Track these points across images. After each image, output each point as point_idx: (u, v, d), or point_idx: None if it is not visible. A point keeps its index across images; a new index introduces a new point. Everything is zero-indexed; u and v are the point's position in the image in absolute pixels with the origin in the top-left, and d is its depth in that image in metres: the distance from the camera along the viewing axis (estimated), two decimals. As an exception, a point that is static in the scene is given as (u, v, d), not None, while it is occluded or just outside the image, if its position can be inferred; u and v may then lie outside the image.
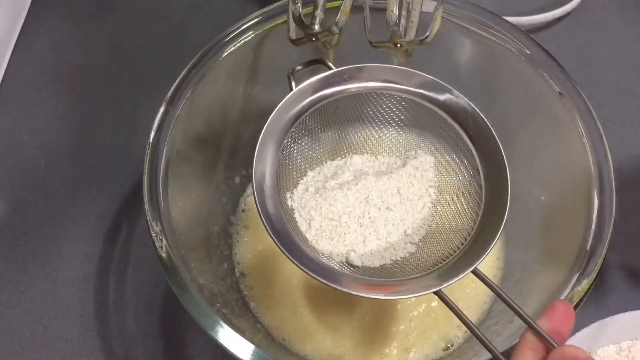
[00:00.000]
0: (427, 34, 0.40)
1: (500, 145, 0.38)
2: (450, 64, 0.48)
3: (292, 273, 0.49)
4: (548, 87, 0.43)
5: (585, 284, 0.38)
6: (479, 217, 0.38)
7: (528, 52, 0.44)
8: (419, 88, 0.40)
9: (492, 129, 0.38)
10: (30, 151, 0.58)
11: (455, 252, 0.37)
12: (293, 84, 0.40)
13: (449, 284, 0.35)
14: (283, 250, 0.35)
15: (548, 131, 0.46)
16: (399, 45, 0.40)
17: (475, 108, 0.39)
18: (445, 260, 0.37)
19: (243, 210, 0.52)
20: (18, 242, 0.54)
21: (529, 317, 0.32)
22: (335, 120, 0.42)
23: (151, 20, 0.65)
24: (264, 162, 0.38)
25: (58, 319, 0.51)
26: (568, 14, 0.64)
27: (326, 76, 0.40)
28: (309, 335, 0.48)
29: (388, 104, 0.41)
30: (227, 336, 0.37)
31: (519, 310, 0.33)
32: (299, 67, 0.42)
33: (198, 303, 0.37)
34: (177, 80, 0.43)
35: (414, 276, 0.37)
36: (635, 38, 0.64)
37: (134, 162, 0.57)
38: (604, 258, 0.38)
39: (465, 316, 0.34)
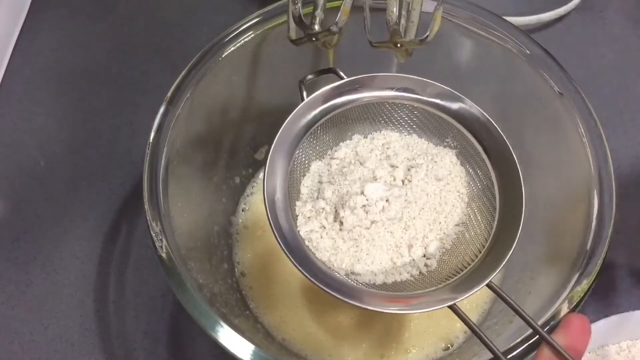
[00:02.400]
0: (427, 34, 0.40)
1: (514, 156, 0.37)
2: (450, 64, 0.48)
3: (292, 273, 0.49)
4: (548, 87, 0.43)
5: (585, 284, 0.38)
6: (493, 229, 0.37)
7: (528, 52, 0.44)
8: (432, 97, 0.39)
9: (505, 139, 0.38)
10: (30, 151, 0.58)
11: (469, 264, 0.37)
12: (304, 93, 0.40)
13: (463, 297, 0.34)
14: (296, 264, 0.35)
15: (548, 131, 0.46)
16: (399, 45, 0.40)
17: (489, 118, 0.38)
18: (459, 273, 0.37)
19: (243, 210, 0.52)
20: (18, 242, 0.54)
21: (545, 333, 0.32)
22: (347, 130, 0.42)
23: (151, 20, 0.65)
24: (275, 175, 0.37)
25: (58, 319, 0.51)
26: (568, 14, 0.64)
27: (338, 86, 0.39)
28: (308, 335, 0.48)
29: (400, 113, 0.41)
30: (227, 336, 0.37)
31: (537, 327, 0.33)
32: (310, 77, 0.41)
33: (198, 303, 0.37)
34: (177, 80, 0.43)
35: (428, 290, 0.36)
36: (635, 38, 0.64)
37: (134, 162, 0.57)
38: (604, 258, 0.38)
39: (478, 328, 0.33)
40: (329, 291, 0.34)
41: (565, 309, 0.37)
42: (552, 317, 0.37)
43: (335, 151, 0.42)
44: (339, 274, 0.37)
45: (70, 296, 0.52)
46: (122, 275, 0.53)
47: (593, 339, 0.45)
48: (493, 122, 0.38)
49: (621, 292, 0.51)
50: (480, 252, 0.37)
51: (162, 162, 0.41)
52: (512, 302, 0.34)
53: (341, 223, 0.38)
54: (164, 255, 0.39)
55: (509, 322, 0.43)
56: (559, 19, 0.64)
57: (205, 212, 0.49)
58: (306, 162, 0.41)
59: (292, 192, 0.39)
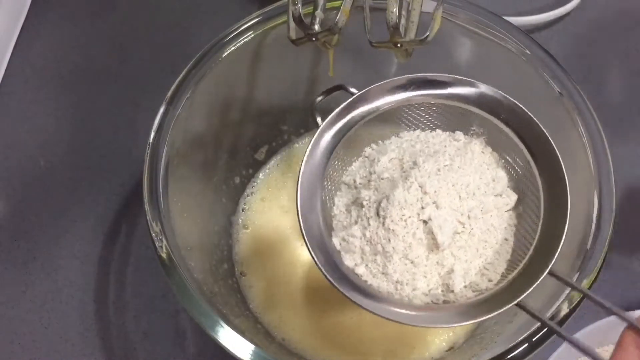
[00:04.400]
0: (427, 34, 0.40)
1: (549, 138, 0.36)
2: (450, 64, 0.48)
3: (292, 273, 0.49)
4: (548, 87, 0.43)
5: (585, 284, 0.38)
6: (540, 219, 0.36)
7: (528, 52, 0.44)
8: (448, 88, 0.38)
9: (532, 116, 0.37)
10: (30, 151, 0.58)
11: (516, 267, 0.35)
12: (319, 119, 0.39)
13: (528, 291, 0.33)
14: (352, 299, 0.34)
15: (548, 131, 0.46)
16: (399, 45, 0.40)
17: (511, 99, 0.37)
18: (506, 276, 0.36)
19: (243, 210, 0.52)
20: (18, 242, 0.54)
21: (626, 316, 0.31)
22: (368, 143, 0.41)
23: (151, 20, 0.65)
24: (314, 211, 0.36)
25: (58, 319, 0.51)
26: (568, 14, 0.64)
27: (350, 102, 0.38)
28: (308, 335, 0.47)
29: (420, 112, 0.40)
30: (227, 336, 0.37)
31: (616, 309, 0.32)
32: (319, 98, 0.40)
33: (198, 303, 0.37)
34: (177, 80, 0.43)
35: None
36: (635, 38, 0.64)
37: (134, 162, 0.57)
38: (604, 258, 0.38)
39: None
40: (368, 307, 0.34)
41: (565, 309, 0.37)
42: (552, 317, 0.37)
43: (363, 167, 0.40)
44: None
45: (70, 296, 0.52)
46: (122, 275, 0.53)
47: (593, 339, 0.45)
48: (518, 103, 0.37)
49: (621, 292, 0.51)
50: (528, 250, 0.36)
51: (162, 162, 0.41)
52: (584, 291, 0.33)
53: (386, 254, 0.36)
54: (164, 255, 0.39)
55: (508, 322, 0.43)
56: (559, 19, 0.64)
57: (205, 212, 0.49)
58: (333, 189, 0.39)
59: (327, 221, 0.37)
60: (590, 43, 0.64)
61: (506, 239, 0.37)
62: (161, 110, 0.42)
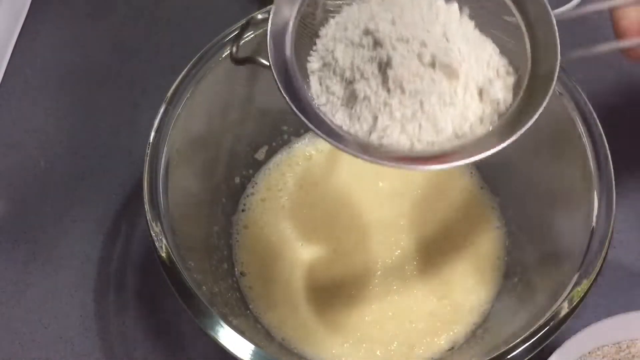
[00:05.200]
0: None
1: None
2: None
3: (292, 273, 0.49)
4: (548, 87, 0.43)
5: (585, 284, 0.38)
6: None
7: (528, 52, 0.44)
8: None
9: None
10: (30, 151, 0.58)
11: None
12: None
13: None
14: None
15: (547, 131, 0.46)
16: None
17: None
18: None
19: (243, 210, 0.52)
20: (18, 242, 0.54)
21: None
22: None
23: (151, 20, 0.65)
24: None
25: (58, 319, 0.51)
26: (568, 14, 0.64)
27: None
28: (308, 334, 0.48)
29: None
30: (227, 336, 0.37)
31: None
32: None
33: (198, 303, 0.37)
34: (177, 80, 0.43)
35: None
36: (635, 38, 0.64)
37: (134, 162, 0.57)
38: (604, 258, 0.38)
39: None
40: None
41: (565, 309, 0.37)
42: (552, 317, 0.37)
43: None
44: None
45: (70, 296, 0.52)
46: (122, 275, 0.53)
47: (593, 339, 0.45)
48: None
49: (621, 292, 0.51)
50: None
51: (162, 162, 0.41)
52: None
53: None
54: (164, 255, 0.39)
55: (508, 322, 0.43)
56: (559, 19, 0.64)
57: (205, 212, 0.49)
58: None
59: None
60: (591, 43, 0.63)
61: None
62: (161, 110, 0.42)
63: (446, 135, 0.34)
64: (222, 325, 0.37)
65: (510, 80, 0.35)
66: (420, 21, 0.35)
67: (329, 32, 0.37)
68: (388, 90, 0.34)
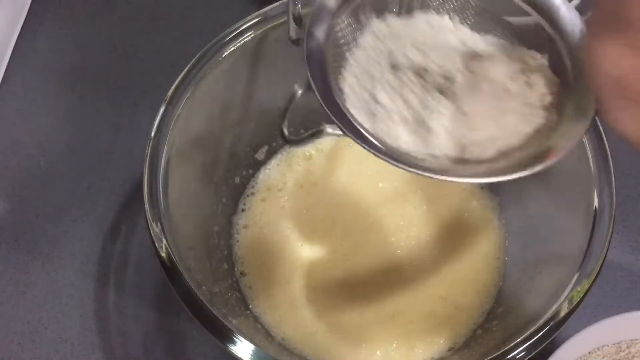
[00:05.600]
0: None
1: None
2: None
3: (292, 273, 0.49)
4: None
5: (585, 284, 0.38)
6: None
7: (528, 52, 0.44)
8: None
9: None
10: (30, 151, 0.58)
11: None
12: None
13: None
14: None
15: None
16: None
17: None
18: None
19: (243, 210, 0.52)
20: (18, 242, 0.54)
21: None
22: None
23: (151, 20, 0.65)
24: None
25: (58, 319, 0.51)
26: (568, 14, 0.64)
27: None
28: (308, 334, 0.48)
29: None
30: (227, 336, 0.37)
31: None
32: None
33: (198, 303, 0.37)
34: (177, 80, 0.43)
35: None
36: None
37: (134, 162, 0.57)
38: (604, 258, 0.38)
39: None
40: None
41: (565, 309, 0.37)
42: (552, 317, 0.37)
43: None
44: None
45: (70, 296, 0.52)
46: (122, 275, 0.53)
47: (593, 339, 0.45)
48: None
49: (621, 292, 0.51)
50: None
51: (162, 162, 0.41)
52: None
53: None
54: (164, 255, 0.39)
55: (508, 322, 0.43)
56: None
57: (205, 212, 0.49)
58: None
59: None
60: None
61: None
62: (161, 110, 0.42)
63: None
64: (222, 326, 0.37)
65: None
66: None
67: (349, 77, 0.36)
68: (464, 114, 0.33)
